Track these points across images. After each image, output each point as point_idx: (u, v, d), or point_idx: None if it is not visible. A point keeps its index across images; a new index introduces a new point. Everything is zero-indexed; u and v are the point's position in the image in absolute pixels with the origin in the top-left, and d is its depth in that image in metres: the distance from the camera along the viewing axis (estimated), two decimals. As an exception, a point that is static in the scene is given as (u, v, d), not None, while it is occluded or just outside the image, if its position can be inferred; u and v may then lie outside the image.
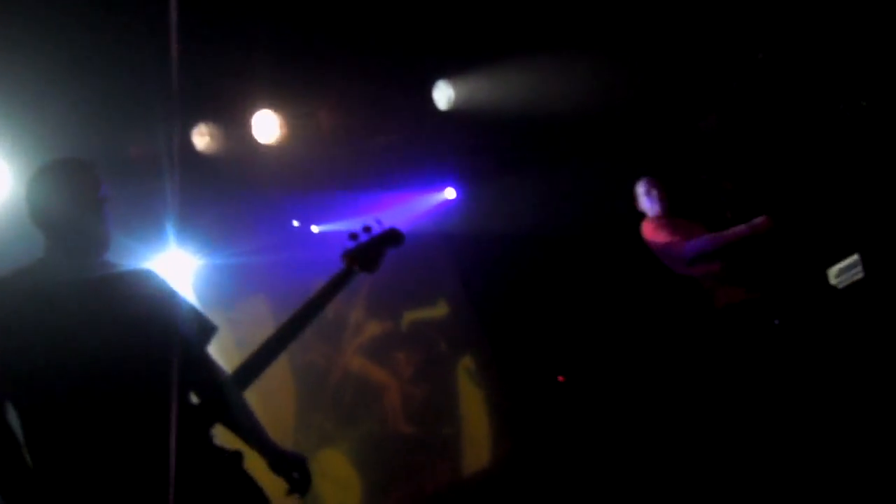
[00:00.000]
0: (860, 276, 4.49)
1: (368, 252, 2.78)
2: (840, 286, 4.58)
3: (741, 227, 4.13)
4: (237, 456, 2.38)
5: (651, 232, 4.40)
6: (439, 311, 6.33)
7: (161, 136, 4.02)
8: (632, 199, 4.60)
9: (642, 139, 5.36)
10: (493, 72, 5.09)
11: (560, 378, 6.11)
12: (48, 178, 2.36)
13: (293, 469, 2.47)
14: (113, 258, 2.49)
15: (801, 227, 4.48)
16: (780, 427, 4.07)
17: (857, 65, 4.51)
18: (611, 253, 5.58)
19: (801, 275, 4.60)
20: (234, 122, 4.63)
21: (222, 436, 2.46)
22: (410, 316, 6.20)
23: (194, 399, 2.43)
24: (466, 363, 6.23)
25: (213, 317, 2.62)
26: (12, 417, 2.19)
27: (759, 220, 4.12)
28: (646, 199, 4.51)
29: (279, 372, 5.49)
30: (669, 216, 4.46)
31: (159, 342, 2.32)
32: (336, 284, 2.67)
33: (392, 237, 2.86)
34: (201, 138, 4.53)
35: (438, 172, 5.88)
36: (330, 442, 5.66)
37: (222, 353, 2.66)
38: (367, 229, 2.81)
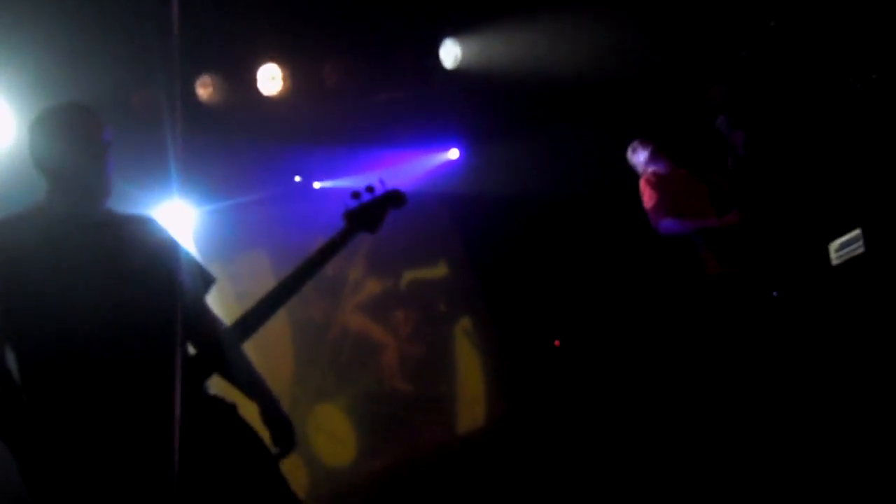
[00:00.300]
0: (861, 251, 4.49)
1: (370, 212, 2.78)
2: (840, 260, 4.59)
3: (712, 220, 4.28)
4: (231, 407, 2.41)
5: (642, 191, 4.45)
6: (439, 271, 6.34)
7: (164, 85, 3.99)
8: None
9: (648, 104, 5.32)
10: (500, 32, 5.03)
11: (556, 342, 6.14)
12: (50, 121, 2.34)
13: (281, 428, 2.49)
14: (115, 206, 2.49)
15: (778, 214, 4.49)
16: (773, 396, 4.10)
17: (870, 37, 4.45)
18: (612, 218, 5.57)
19: (802, 248, 4.60)
20: (238, 74, 4.59)
21: (218, 386, 2.49)
22: (410, 275, 6.21)
23: (191, 350, 2.45)
24: (464, 324, 6.26)
25: (214, 269, 2.63)
26: (10, 359, 2.20)
27: (729, 215, 4.23)
28: (635, 158, 4.58)
29: (278, 327, 5.52)
30: (664, 173, 4.48)
31: (159, 290, 2.32)
32: (337, 243, 2.68)
33: (394, 198, 2.85)
34: (205, 89, 4.49)
35: (443, 132, 5.84)
36: (327, 397, 5.71)
37: (222, 306, 2.67)
38: (369, 189, 2.80)
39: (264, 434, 2.47)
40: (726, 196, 4.32)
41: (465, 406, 6.09)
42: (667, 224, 4.32)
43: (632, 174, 4.66)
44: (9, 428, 2.12)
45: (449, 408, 6.04)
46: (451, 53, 5.12)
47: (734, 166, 4.27)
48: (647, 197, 4.38)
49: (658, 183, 4.41)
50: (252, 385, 2.49)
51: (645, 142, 4.58)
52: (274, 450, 2.46)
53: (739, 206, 4.24)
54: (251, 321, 2.47)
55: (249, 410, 2.48)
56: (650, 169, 4.54)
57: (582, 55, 4.93)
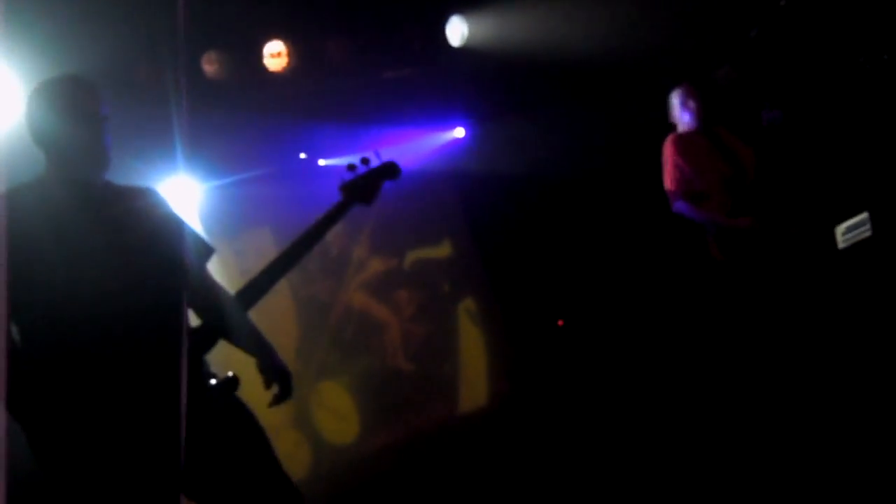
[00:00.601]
0: (868, 234, 4.46)
1: (365, 184, 2.82)
2: (847, 244, 4.56)
3: (724, 219, 4.18)
4: (233, 382, 2.41)
5: (666, 152, 4.30)
6: (443, 251, 6.33)
7: (169, 60, 3.98)
8: (647, 145, 4.51)
9: (655, 85, 5.27)
10: (508, 10, 4.99)
11: (559, 322, 6.14)
12: (45, 94, 2.33)
13: (278, 376, 2.49)
14: (119, 179, 2.49)
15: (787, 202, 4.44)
16: (778, 379, 4.10)
17: (883, 16, 4.39)
18: (617, 199, 5.55)
19: (808, 231, 4.57)
20: (244, 51, 4.57)
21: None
22: (414, 255, 6.21)
23: (193, 320, 2.46)
24: (468, 304, 6.26)
25: (218, 246, 2.65)
26: (14, 331, 2.21)
27: (743, 220, 4.15)
28: (681, 111, 4.36)
29: (282, 303, 5.53)
30: (697, 135, 4.33)
31: (161, 260, 2.34)
32: (333, 215, 2.71)
33: (389, 170, 2.90)
34: (211, 65, 4.48)
35: (448, 110, 5.80)
36: (330, 374, 5.73)
37: (226, 283, 2.68)
38: (364, 161, 2.85)
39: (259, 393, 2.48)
40: (747, 191, 4.23)
41: (467, 386, 6.11)
42: (679, 206, 4.25)
43: (639, 155, 4.61)
44: (16, 399, 2.13)
45: (451, 387, 6.06)
46: (457, 31, 5.08)
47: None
48: (667, 172, 4.28)
49: (681, 153, 4.27)
50: (252, 341, 2.50)
51: (692, 91, 4.38)
52: (270, 398, 2.48)
53: (755, 212, 4.17)
54: (251, 293, 2.51)
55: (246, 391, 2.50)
56: (681, 124, 4.38)
57: (589, 34, 4.89)
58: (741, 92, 4.44)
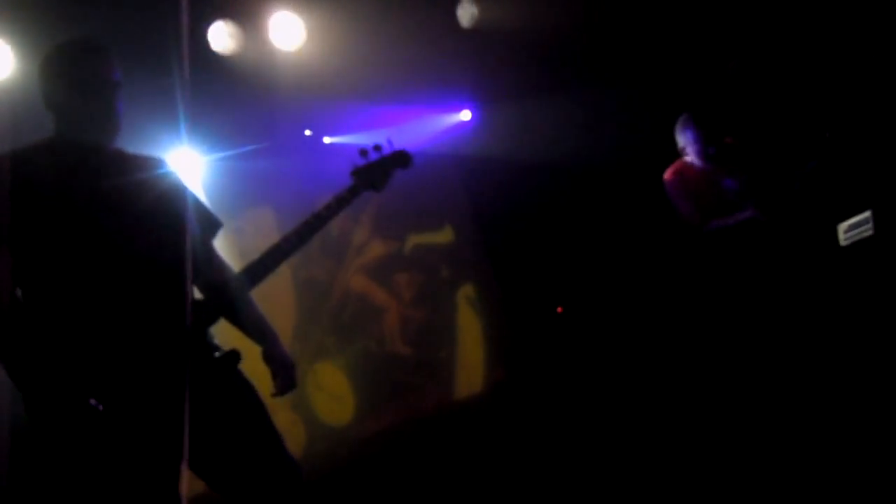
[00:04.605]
0: (870, 233, 4.45)
1: (377, 170, 2.84)
2: (849, 242, 4.55)
3: (733, 218, 4.25)
4: (235, 355, 2.39)
5: (669, 191, 4.40)
6: (444, 236, 6.31)
7: (175, 30, 3.93)
8: (654, 133, 4.52)
9: (665, 72, 5.23)
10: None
11: (559, 309, 6.12)
12: (59, 58, 2.32)
13: (282, 367, 2.48)
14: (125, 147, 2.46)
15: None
16: (777, 377, 4.10)
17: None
18: (621, 186, 5.52)
19: (810, 229, 4.56)
20: (251, 24, 4.52)
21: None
22: (415, 239, 6.18)
23: (197, 294, 2.44)
24: (467, 291, 6.24)
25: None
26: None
27: (746, 213, 4.22)
28: (682, 139, 4.45)
29: (281, 284, 5.52)
30: (694, 167, 4.42)
31: (167, 230, 2.33)
32: (342, 199, 2.71)
33: (401, 158, 2.91)
34: (218, 37, 4.43)
35: (455, 93, 5.76)
36: (327, 355, 5.72)
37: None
38: (377, 148, 2.86)
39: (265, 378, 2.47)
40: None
41: (463, 372, 6.10)
42: (715, 225, 4.31)
43: (645, 141, 4.59)
44: (15, 362, 2.10)
45: (447, 372, 6.05)
46: (467, 12, 5.04)
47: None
48: (682, 208, 4.38)
49: (682, 187, 4.38)
50: (256, 327, 2.49)
51: (683, 115, 4.49)
52: (273, 389, 2.47)
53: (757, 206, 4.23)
54: (256, 272, 2.49)
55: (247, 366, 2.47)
56: (683, 151, 4.46)
57: (601, 17, 4.85)
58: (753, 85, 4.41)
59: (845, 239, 4.56)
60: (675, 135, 4.50)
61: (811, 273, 4.33)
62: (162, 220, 2.34)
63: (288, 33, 4.59)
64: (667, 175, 4.43)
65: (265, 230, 5.34)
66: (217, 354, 2.37)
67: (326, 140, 5.64)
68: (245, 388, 2.42)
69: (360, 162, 2.82)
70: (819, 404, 3.87)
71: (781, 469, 3.57)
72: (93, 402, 2.09)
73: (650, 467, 4.19)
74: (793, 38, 4.84)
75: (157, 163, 2.50)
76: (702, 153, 4.39)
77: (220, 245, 2.59)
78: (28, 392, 2.10)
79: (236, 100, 4.72)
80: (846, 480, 3.29)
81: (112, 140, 2.39)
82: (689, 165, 4.44)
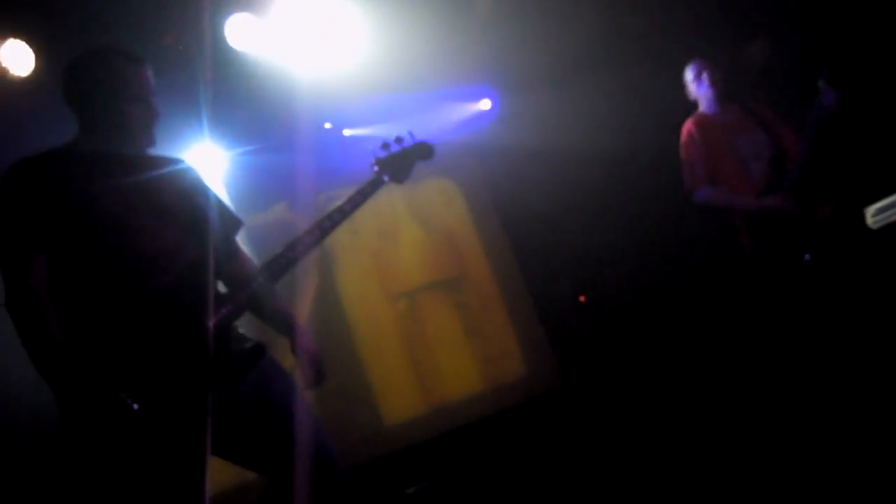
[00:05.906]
0: (899, 216, 4.36)
1: (399, 162, 2.88)
2: (878, 225, 4.47)
3: (752, 202, 3.98)
4: (261, 346, 2.40)
5: (684, 137, 4.16)
6: (465, 225, 6.28)
7: (195, 25, 3.95)
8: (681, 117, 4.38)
9: (685, 59, 5.15)
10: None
11: (582, 298, 6.09)
12: (94, 66, 2.36)
13: (312, 360, 2.49)
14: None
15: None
16: (806, 360, 4.05)
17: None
18: (644, 174, 5.47)
19: (838, 211, 4.48)
20: (268, 15, 4.51)
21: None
22: (436, 227, 6.17)
23: (222, 289, 2.47)
24: (490, 279, 6.21)
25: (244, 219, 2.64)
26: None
27: (775, 198, 3.96)
28: (696, 86, 4.20)
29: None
30: (715, 115, 4.17)
31: (191, 229, 2.36)
32: (365, 192, 2.74)
33: (423, 150, 2.97)
34: (234, 31, 4.43)
35: (475, 82, 5.74)
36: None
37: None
38: (398, 140, 2.90)
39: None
40: (783, 172, 4.06)
41: (489, 363, 6.08)
42: (704, 194, 4.08)
43: (667, 130, 4.50)
44: (51, 365, 2.10)
45: (474, 364, 6.04)
46: (487, 1, 5.00)
47: (812, 132, 3.93)
48: (685, 156, 4.15)
49: (700, 136, 4.12)
50: (282, 320, 2.50)
51: (706, 64, 4.21)
52: (303, 382, 2.48)
53: (793, 189, 3.95)
54: (278, 266, 2.50)
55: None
56: (700, 100, 4.22)
57: (621, 5, 4.79)
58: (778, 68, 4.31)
59: (874, 222, 4.49)
60: (686, 85, 4.27)
61: (842, 257, 4.24)
62: (187, 217, 2.38)
63: (303, 25, 4.58)
64: (686, 126, 4.18)
65: (283, 225, 5.38)
66: (246, 345, 2.38)
67: (346, 133, 5.65)
68: (279, 374, 2.43)
69: (382, 154, 2.86)
70: (852, 396, 3.81)
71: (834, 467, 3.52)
72: (128, 400, 2.11)
73: (676, 454, 4.17)
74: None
75: (178, 162, 2.53)
76: (717, 97, 4.13)
77: (241, 240, 2.62)
78: (65, 394, 2.10)
79: (254, 95, 4.73)
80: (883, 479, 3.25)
81: (140, 145, 2.43)
82: (706, 116, 4.19)
